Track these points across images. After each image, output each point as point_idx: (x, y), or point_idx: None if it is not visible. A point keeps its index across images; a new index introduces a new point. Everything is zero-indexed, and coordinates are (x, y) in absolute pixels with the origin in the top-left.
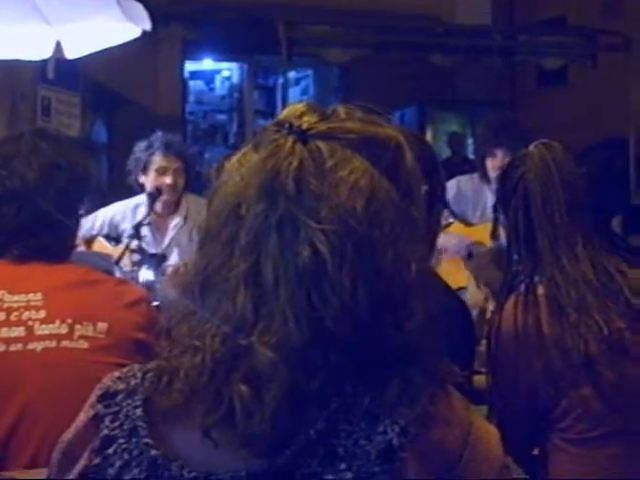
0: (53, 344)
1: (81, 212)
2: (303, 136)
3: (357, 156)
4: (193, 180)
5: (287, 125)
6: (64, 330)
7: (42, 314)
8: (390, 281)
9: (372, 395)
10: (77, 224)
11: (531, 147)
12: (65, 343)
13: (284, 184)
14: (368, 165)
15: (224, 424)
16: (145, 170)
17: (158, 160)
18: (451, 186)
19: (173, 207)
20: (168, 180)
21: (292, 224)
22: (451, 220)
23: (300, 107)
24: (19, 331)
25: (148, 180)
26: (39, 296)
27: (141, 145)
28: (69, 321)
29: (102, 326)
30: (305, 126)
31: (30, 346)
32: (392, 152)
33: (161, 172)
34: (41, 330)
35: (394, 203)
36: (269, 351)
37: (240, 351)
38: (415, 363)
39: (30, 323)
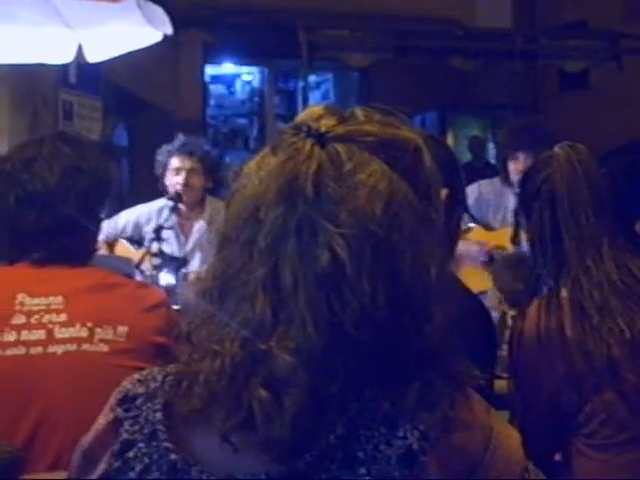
0: (74, 347)
1: (102, 216)
2: (321, 139)
3: (375, 159)
4: (217, 184)
5: (305, 128)
6: (84, 333)
7: (63, 317)
8: (410, 285)
9: (392, 400)
10: (98, 228)
11: (556, 149)
12: (86, 346)
13: (303, 188)
14: (386, 168)
15: (243, 428)
16: (164, 172)
17: (174, 161)
18: (472, 190)
19: (197, 208)
20: (181, 179)
21: (311, 228)
22: (471, 225)
23: (318, 110)
24: (39, 334)
25: (168, 180)
26: (60, 299)
27: (163, 149)
28: (89, 324)
29: (122, 329)
30: (323, 129)
31: (51, 349)
32: (410, 155)
33: (176, 172)
34: (61, 333)
35: (413, 206)
36: (288, 356)
37: (259, 355)
38: (435, 367)
39: (50, 326)
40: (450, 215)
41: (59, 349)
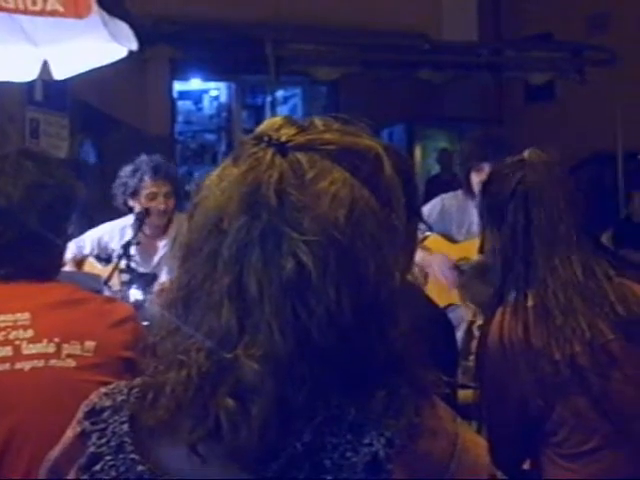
0: (41, 363)
1: (69, 231)
2: (282, 148)
3: (337, 167)
4: (183, 200)
5: (266, 138)
6: (52, 349)
7: (30, 333)
8: (374, 290)
9: (358, 407)
10: (64, 243)
11: (526, 153)
12: (53, 362)
13: (265, 197)
14: (348, 175)
15: (211, 439)
16: (135, 195)
17: (148, 185)
18: (435, 204)
19: (163, 229)
20: (160, 206)
21: (275, 236)
22: (427, 233)
23: (278, 120)
24: (6, 351)
25: (139, 204)
26: (27, 315)
27: (127, 169)
28: (56, 340)
29: (90, 344)
30: (284, 138)
31: (18, 365)
32: (371, 162)
33: (151, 197)
34: (29, 349)
35: (375, 213)
36: (255, 364)
37: (226, 364)
38: (400, 373)
39: (17, 342)
40: (407, 223)
41: (26, 365)
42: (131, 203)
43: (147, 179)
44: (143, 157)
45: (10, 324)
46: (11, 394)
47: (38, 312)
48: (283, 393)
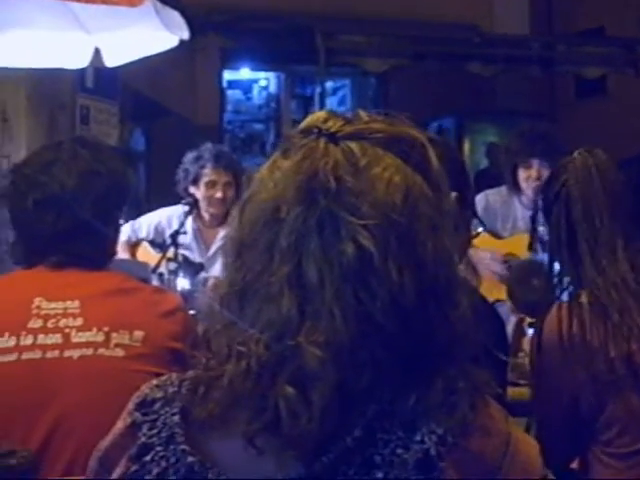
0: (90, 352)
1: (121, 221)
2: (333, 138)
3: (388, 154)
4: (241, 192)
5: (315, 130)
6: (100, 338)
7: (79, 322)
8: (433, 271)
9: (416, 397)
10: (116, 233)
11: (575, 154)
12: (102, 351)
13: (323, 182)
14: (400, 162)
15: (268, 431)
16: (195, 182)
17: (208, 173)
18: (479, 200)
19: (221, 219)
20: (218, 194)
21: (332, 222)
22: (480, 230)
23: (322, 114)
24: (56, 338)
25: (199, 192)
26: (76, 304)
27: (190, 156)
28: (106, 329)
29: (138, 334)
30: (333, 129)
31: (67, 353)
32: (418, 150)
33: (211, 185)
34: (78, 338)
35: (428, 197)
36: (318, 350)
37: (286, 353)
38: (458, 364)
39: (67, 330)
40: (460, 219)
41: (75, 353)
42: (192, 190)
43: (208, 166)
44: (207, 144)
45: (60, 312)
46: (59, 381)
47: (88, 301)
48: (344, 379)
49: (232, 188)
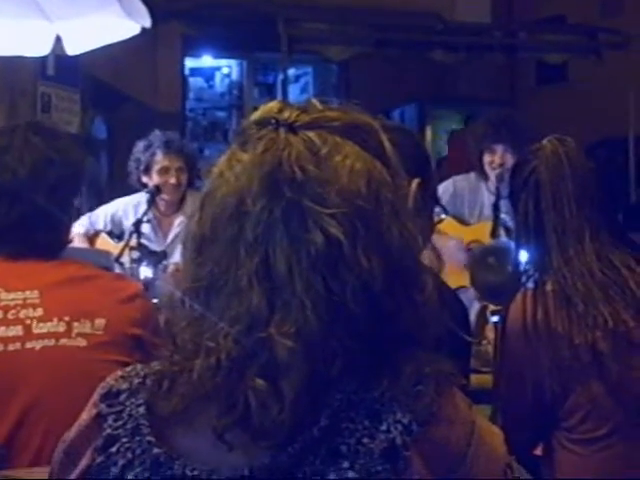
0: (52, 343)
1: (76, 206)
2: (291, 128)
3: (346, 141)
4: (195, 178)
5: (272, 121)
6: (62, 328)
7: (39, 312)
8: (399, 255)
9: (384, 385)
10: (71, 220)
11: (544, 141)
12: (64, 341)
13: (288, 173)
14: (358, 149)
15: (238, 425)
16: (147, 170)
17: (160, 160)
18: (447, 186)
19: (177, 206)
20: (172, 180)
21: (299, 213)
22: (443, 216)
23: (275, 104)
24: (17, 330)
25: (151, 180)
26: (35, 293)
27: (140, 145)
28: (66, 319)
29: (100, 322)
30: (291, 119)
31: (28, 345)
32: (374, 137)
33: (163, 172)
34: (39, 329)
35: (389, 183)
36: (288, 341)
37: (256, 346)
38: (424, 348)
39: (28, 322)
40: (422, 206)
41: (37, 344)
42: (145, 179)
43: (159, 153)
44: (156, 132)
45: (20, 302)
46: (22, 373)
47: (47, 290)
48: (315, 369)
49: (185, 173)
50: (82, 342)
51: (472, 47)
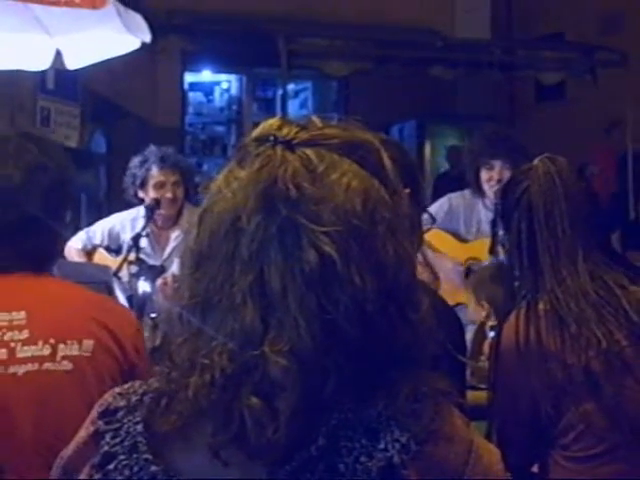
0: (35, 367)
1: (67, 219)
2: (289, 145)
3: (344, 159)
4: (192, 192)
5: (271, 138)
6: (46, 351)
7: (25, 334)
8: (394, 274)
9: (382, 404)
10: (62, 231)
11: (536, 161)
12: (47, 365)
13: (283, 190)
14: (356, 167)
15: (234, 443)
16: (143, 185)
17: (155, 175)
18: (442, 204)
19: (173, 220)
20: (168, 194)
21: (293, 230)
22: (429, 226)
23: (275, 121)
24: (1, 353)
25: (147, 195)
26: (22, 314)
27: (136, 160)
28: (52, 341)
29: (88, 343)
30: (289, 136)
31: (12, 369)
32: (373, 154)
33: (159, 186)
34: (23, 352)
35: (386, 201)
36: (282, 359)
37: (251, 364)
38: (420, 367)
39: (12, 345)
40: (412, 216)
41: (20, 369)
42: (141, 194)
43: (154, 168)
44: (151, 147)
45: (6, 324)
46: (5, 398)
47: (34, 310)
48: (309, 388)
49: (181, 188)
50: (68, 366)
51: (471, 64)
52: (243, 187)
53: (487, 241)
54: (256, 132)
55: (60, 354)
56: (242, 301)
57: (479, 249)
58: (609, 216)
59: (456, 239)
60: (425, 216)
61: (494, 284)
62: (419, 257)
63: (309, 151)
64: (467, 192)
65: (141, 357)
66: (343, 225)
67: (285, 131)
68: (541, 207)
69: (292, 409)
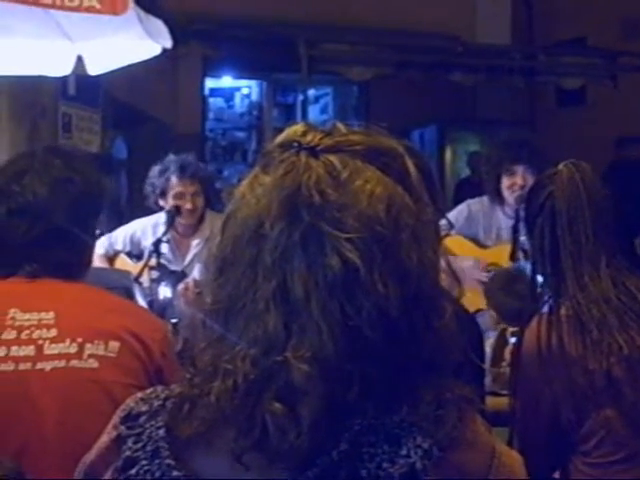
0: (62, 364)
1: (98, 230)
2: (313, 152)
3: (368, 166)
4: (214, 198)
5: (295, 144)
6: (73, 349)
7: (53, 333)
8: (417, 281)
9: (405, 410)
10: (92, 240)
11: (560, 166)
12: (74, 362)
13: (307, 197)
14: (380, 174)
15: (256, 448)
16: (163, 195)
17: (174, 185)
18: (461, 210)
19: (195, 227)
20: (187, 205)
21: (317, 237)
22: (447, 231)
23: (300, 127)
24: (29, 350)
25: (167, 204)
26: (51, 314)
27: (155, 170)
28: (79, 340)
29: (114, 345)
30: (313, 142)
31: (39, 365)
32: (397, 161)
33: (179, 197)
34: (50, 349)
35: (410, 208)
36: (305, 365)
37: (273, 370)
38: (443, 373)
39: (40, 342)
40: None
41: (47, 365)
42: (161, 203)
43: (174, 179)
44: (171, 156)
45: (35, 323)
46: (31, 394)
47: (62, 311)
48: (332, 394)
49: (200, 197)
50: (94, 364)
51: (492, 69)
52: (267, 193)
53: (507, 247)
54: (280, 138)
55: (87, 352)
56: (265, 307)
57: (499, 255)
58: (633, 221)
59: (476, 245)
60: (443, 222)
61: (501, 291)
62: (442, 264)
63: (333, 157)
64: (485, 199)
65: (168, 361)
66: (367, 232)
67: (309, 137)
68: (564, 212)
69: (314, 415)
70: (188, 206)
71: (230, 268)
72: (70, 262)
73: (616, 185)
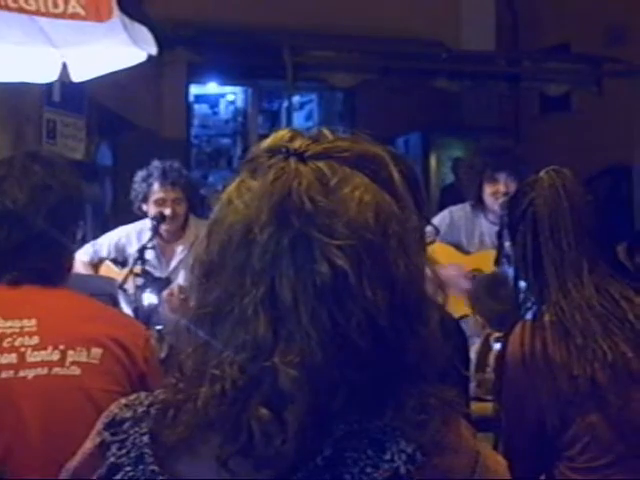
0: (44, 371)
1: (78, 235)
2: (301, 157)
3: (356, 173)
4: (197, 205)
5: (283, 149)
6: (56, 357)
7: (35, 340)
8: (405, 289)
9: (389, 415)
10: (73, 246)
11: (542, 173)
12: (57, 370)
13: (298, 203)
14: (368, 181)
15: (241, 453)
16: (145, 200)
17: (156, 191)
18: (443, 216)
19: (179, 233)
20: (167, 211)
21: (306, 243)
22: (432, 238)
23: (286, 132)
24: (11, 358)
25: (149, 210)
26: (33, 322)
27: (139, 175)
28: (62, 347)
29: (96, 352)
30: (301, 149)
31: (21, 373)
32: (384, 168)
33: (160, 203)
34: (33, 357)
35: (397, 215)
36: (293, 370)
37: (261, 375)
38: (428, 379)
39: (22, 350)
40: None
41: (30, 373)
42: (145, 208)
43: (155, 185)
44: (155, 163)
45: (17, 330)
46: (14, 402)
47: (44, 318)
48: (318, 399)
49: (182, 204)
50: (76, 371)
51: (476, 75)
52: (256, 198)
53: (491, 253)
54: (267, 143)
55: (69, 360)
56: (253, 312)
57: (482, 261)
58: (615, 227)
59: (459, 251)
60: (428, 228)
61: (487, 296)
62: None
63: (321, 164)
64: (467, 205)
65: (151, 367)
66: (356, 239)
67: (297, 143)
68: (546, 219)
69: (300, 420)
70: (167, 212)
71: (217, 273)
72: (50, 268)
73: (600, 191)
